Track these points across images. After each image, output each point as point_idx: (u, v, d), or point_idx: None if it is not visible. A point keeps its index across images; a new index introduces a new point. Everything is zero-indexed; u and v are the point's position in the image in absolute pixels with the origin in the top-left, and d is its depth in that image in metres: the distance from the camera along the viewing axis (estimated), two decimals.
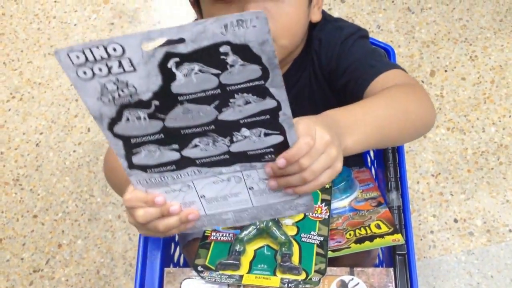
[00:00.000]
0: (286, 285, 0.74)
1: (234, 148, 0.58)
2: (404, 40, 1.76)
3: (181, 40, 0.48)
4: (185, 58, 0.50)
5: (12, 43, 1.88)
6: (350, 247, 0.81)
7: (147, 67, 0.50)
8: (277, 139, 0.57)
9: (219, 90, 0.52)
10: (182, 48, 0.49)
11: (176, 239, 0.98)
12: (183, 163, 0.60)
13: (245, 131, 0.56)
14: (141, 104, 0.53)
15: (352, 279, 0.76)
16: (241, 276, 0.77)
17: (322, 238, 0.81)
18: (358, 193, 0.94)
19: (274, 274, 0.77)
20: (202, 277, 0.77)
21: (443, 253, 1.44)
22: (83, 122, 1.71)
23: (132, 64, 0.50)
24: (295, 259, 0.78)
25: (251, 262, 0.79)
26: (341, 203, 0.92)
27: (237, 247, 0.79)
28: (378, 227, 0.83)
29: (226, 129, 0.56)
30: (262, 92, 0.53)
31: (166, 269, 0.80)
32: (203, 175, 0.61)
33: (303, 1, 0.81)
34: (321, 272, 0.76)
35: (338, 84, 0.88)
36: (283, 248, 0.79)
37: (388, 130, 0.74)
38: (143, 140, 0.57)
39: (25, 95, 1.78)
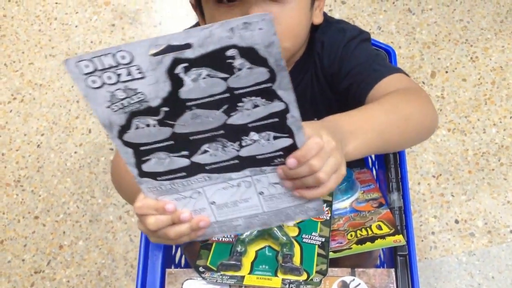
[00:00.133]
0: (287, 286, 0.74)
1: (244, 152, 0.58)
2: (404, 41, 1.76)
3: (188, 46, 0.49)
4: (192, 63, 0.50)
5: (13, 44, 1.88)
6: (351, 248, 0.81)
7: (155, 73, 0.50)
8: (286, 142, 0.57)
9: (227, 94, 0.52)
10: (189, 54, 0.49)
11: None
12: (193, 170, 0.60)
13: (254, 135, 0.56)
14: (150, 111, 0.53)
15: (353, 279, 0.76)
16: (243, 277, 0.77)
17: (323, 239, 0.81)
18: (359, 194, 0.94)
19: (276, 275, 0.77)
20: (204, 278, 0.77)
21: (444, 254, 1.44)
22: (84, 123, 1.72)
23: (140, 71, 0.50)
24: (297, 260, 0.78)
25: (252, 263, 0.79)
26: (342, 204, 0.92)
27: (239, 248, 0.79)
28: (379, 228, 0.83)
29: (235, 133, 0.56)
30: (269, 94, 0.53)
31: (167, 270, 0.80)
32: (213, 181, 0.61)
33: (306, 3, 0.82)
34: (323, 273, 0.76)
35: (340, 87, 0.88)
36: (285, 249, 0.79)
37: (390, 136, 0.74)
38: (153, 147, 0.56)
39: (26, 96, 1.78)
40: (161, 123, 0.54)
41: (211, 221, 0.65)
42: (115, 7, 1.92)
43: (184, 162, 0.59)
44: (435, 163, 1.56)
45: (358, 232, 0.84)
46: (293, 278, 0.76)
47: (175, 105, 0.53)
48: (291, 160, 0.58)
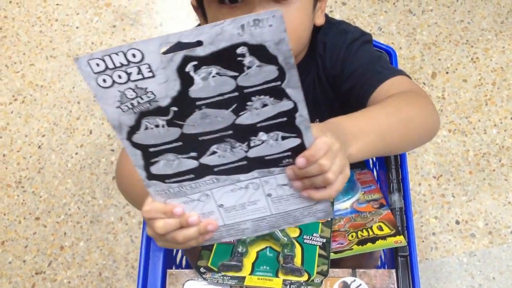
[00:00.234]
0: (288, 287, 0.75)
1: (252, 153, 0.58)
2: (405, 42, 1.77)
3: (199, 43, 0.48)
4: (203, 61, 0.50)
5: (14, 45, 1.89)
6: (352, 249, 0.81)
7: (165, 72, 0.50)
8: (294, 142, 0.57)
9: (236, 93, 0.52)
10: (200, 51, 0.49)
11: None
12: (201, 172, 0.59)
13: (262, 135, 0.56)
14: (159, 111, 0.53)
15: (354, 280, 0.76)
16: (244, 278, 0.77)
17: (324, 240, 0.82)
18: (360, 195, 0.94)
19: (277, 276, 0.77)
20: (205, 279, 0.77)
21: (445, 255, 1.44)
22: (85, 124, 1.72)
23: (151, 70, 0.50)
24: (298, 261, 0.78)
25: (253, 264, 0.79)
26: (343, 204, 0.92)
27: (240, 249, 0.79)
28: (380, 228, 0.83)
29: (244, 133, 0.56)
30: (278, 93, 0.53)
31: (168, 271, 0.80)
32: (221, 183, 0.61)
33: (308, 5, 0.82)
34: (323, 274, 0.76)
35: (342, 89, 0.88)
36: (286, 250, 0.79)
37: (392, 138, 0.74)
38: (162, 148, 0.56)
39: (27, 97, 1.78)
40: (170, 123, 0.54)
41: (219, 224, 0.65)
42: (116, 8, 1.93)
43: (193, 163, 0.58)
44: (436, 164, 1.56)
45: (359, 232, 0.84)
46: (294, 279, 0.76)
47: (184, 104, 0.53)
48: (301, 160, 0.58)
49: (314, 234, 0.82)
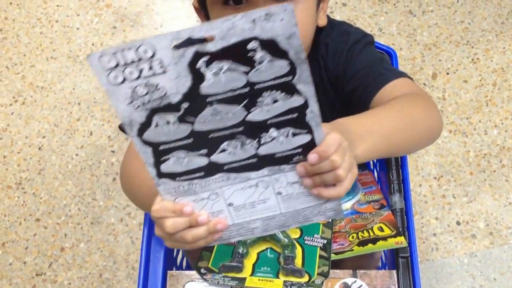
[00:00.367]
0: None
1: (262, 150, 0.58)
2: (406, 43, 1.77)
3: (210, 38, 0.48)
4: (214, 57, 0.50)
5: (15, 47, 1.89)
6: (353, 250, 0.81)
7: (177, 68, 0.50)
8: (304, 138, 0.57)
9: (247, 89, 0.52)
10: (211, 47, 0.49)
11: None
12: (211, 169, 0.59)
13: (273, 132, 0.56)
14: (170, 108, 0.53)
15: (355, 281, 0.76)
16: (244, 279, 0.77)
17: (325, 241, 0.81)
18: (360, 195, 0.94)
19: (277, 277, 0.77)
20: (205, 280, 0.77)
21: (446, 256, 1.44)
22: (86, 125, 1.72)
23: (162, 66, 0.50)
24: (298, 262, 0.78)
25: (254, 265, 0.79)
26: (344, 205, 0.92)
27: (240, 250, 0.79)
28: (381, 229, 0.83)
29: (254, 130, 0.56)
30: (289, 89, 0.53)
31: (169, 272, 0.80)
32: (231, 181, 0.61)
33: (312, 5, 0.82)
34: (324, 275, 0.76)
35: (345, 90, 0.88)
36: (286, 251, 0.79)
37: (396, 140, 0.75)
38: (172, 146, 0.56)
39: (27, 99, 1.78)
40: (181, 120, 0.54)
41: (228, 223, 0.65)
42: (116, 9, 1.93)
43: (203, 161, 0.58)
44: (437, 165, 1.56)
45: (360, 233, 0.84)
46: (294, 280, 0.76)
47: (195, 100, 0.53)
48: (313, 156, 0.58)
49: (315, 235, 0.82)
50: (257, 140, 0.57)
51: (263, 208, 0.64)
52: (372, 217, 0.87)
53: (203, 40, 0.49)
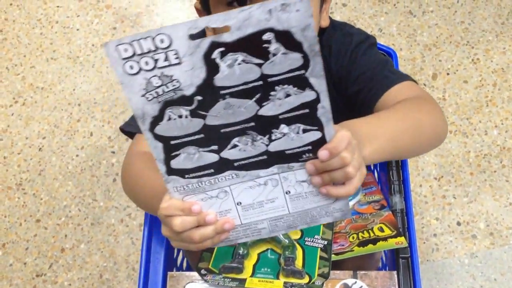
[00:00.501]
0: None
1: (273, 147, 0.58)
2: (406, 43, 1.76)
3: (226, 29, 0.49)
4: (229, 48, 0.50)
5: (15, 48, 1.89)
6: (353, 250, 0.81)
7: (192, 58, 0.50)
8: (315, 135, 0.57)
9: (260, 82, 0.52)
10: (227, 37, 0.49)
11: None
12: (221, 166, 0.59)
13: (283, 128, 0.56)
14: (183, 101, 0.53)
15: (355, 282, 0.76)
16: (244, 280, 0.76)
17: (326, 242, 0.81)
18: (361, 196, 0.94)
19: (277, 278, 0.77)
20: (206, 281, 0.77)
21: (446, 256, 1.43)
22: (86, 126, 1.72)
23: (178, 56, 0.50)
24: (299, 263, 0.78)
25: (254, 266, 0.79)
26: None
27: (241, 251, 0.79)
28: (381, 230, 0.83)
29: (266, 125, 0.56)
30: (302, 82, 0.53)
31: (169, 273, 0.80)
32: (241, 179, 0.61)
33: (316, 6, 0.82)
34: (325, 276, 0.76)
35: (348, 91, 0.88)
36: (287, 252, 0.79)
37: (402, 144, 0.75)
38: (183, 141, 0.56)
39: (28, 99, 1.78)
40: (194, 113, 0.54)
41: (236, 224, 0.65)
42: (116, 10, 1.93)
43: (213, 157, 0.58)
44: (437, 165, 1.56)
45: (360, 234, 0.84)
46: (295, 281, 0.76)
47: (209, 93, 0.53)
48: (323, 152, 0.58)
49: (316, 236, 0.82)
50: (267, 136, 0.57)
51: (271, 208, 0.64)
52: (372, 217, 0.87)
53: (221, 30, 0.49)
